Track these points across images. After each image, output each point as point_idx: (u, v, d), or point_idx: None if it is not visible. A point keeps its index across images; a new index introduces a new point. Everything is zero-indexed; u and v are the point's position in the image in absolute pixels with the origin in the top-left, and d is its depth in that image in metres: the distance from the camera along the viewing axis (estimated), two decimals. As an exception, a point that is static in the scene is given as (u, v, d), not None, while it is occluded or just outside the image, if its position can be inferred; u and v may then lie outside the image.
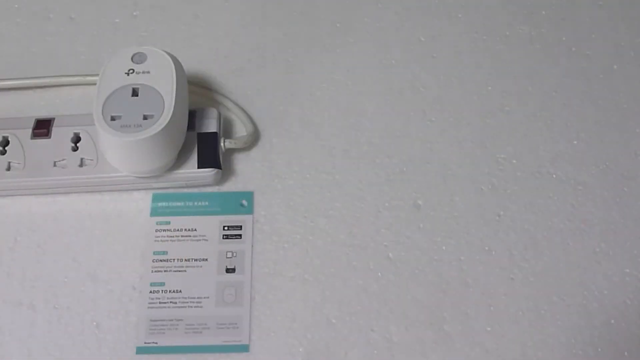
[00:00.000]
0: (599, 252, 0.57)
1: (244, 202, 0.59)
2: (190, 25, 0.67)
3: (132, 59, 0.56)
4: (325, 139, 0.62)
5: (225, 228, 0.58)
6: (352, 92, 0.64)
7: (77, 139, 0.58)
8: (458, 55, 0.66)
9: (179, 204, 0.59)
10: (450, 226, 0.58)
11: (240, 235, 0.57)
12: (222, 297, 0.55)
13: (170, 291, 0.55)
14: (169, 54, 0.57)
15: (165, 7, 0.68)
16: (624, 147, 0.61)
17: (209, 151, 0.58)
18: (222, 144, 0.59)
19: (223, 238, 0.57)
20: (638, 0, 0.69)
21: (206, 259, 0.56)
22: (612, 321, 0.54)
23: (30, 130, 0.58)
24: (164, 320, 0.54)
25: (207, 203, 0.59)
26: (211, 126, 0.59)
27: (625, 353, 0.53)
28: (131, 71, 0.56)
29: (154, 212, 0.58)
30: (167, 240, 0.57)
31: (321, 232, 0.58)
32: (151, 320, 0.54)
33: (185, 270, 0.56)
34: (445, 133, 0.62)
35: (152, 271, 0.56)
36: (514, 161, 0.61)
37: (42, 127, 0.58)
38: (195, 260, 0.56)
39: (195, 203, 0.59)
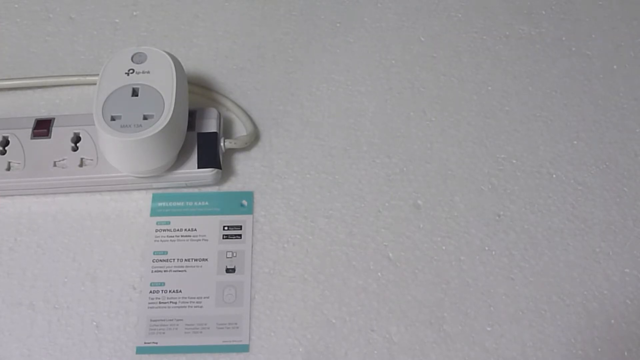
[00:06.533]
0: (599, 252, 0.57)
1: (244, 202, 0.59)
2: (190, 25, 0.67)
3: (132, 59, 0.56)
4: (325, 139, 0.62)
5: (225, 228, 0.58)
6: (352, 92, 0.64)
7: (77, 139, 0.58)
8: (458, 55, 0.66)
9: (179, 204, 0.59)
10: (450, 226, 0.58)
11: (240, 235, 0.57)
12: (222, 297, 0.55)
13: (170, 291, 0.55)
14: (168, 54, 0.57)
15: (165, 7, 0.68)
16: (624, 147, 0.61)
17: (209, 151, 0.58)
18: (222, 144, 0.59)
19: (223, 238, 0.57)
20: (638, 0, 0.69)
21: (206, 259, 0.56)
22: (612, 321, 0.54)
23: (30, 130, 0.58)
24: (164, 320, 0.54)
25: (207, 203, 0.59)
26: (211, 126, 0.59)
27: (625, 353, 0.53)
28: (131, 71, 0.56)
29: (154, 212, 0.58)
30: (167, 240, 0.57)
31: (321, 232, 0.58)
32: (151, 320, 0.54)
33: (185, 270, 0.56)
34: (445, 133, 0.62)
35: (152, 271, 0.56)
36: (514, 161, 0.61)
37: (42, 127, 0.58)
38: (195, 260, 0.56)
39: (195, 203, 0.59)
